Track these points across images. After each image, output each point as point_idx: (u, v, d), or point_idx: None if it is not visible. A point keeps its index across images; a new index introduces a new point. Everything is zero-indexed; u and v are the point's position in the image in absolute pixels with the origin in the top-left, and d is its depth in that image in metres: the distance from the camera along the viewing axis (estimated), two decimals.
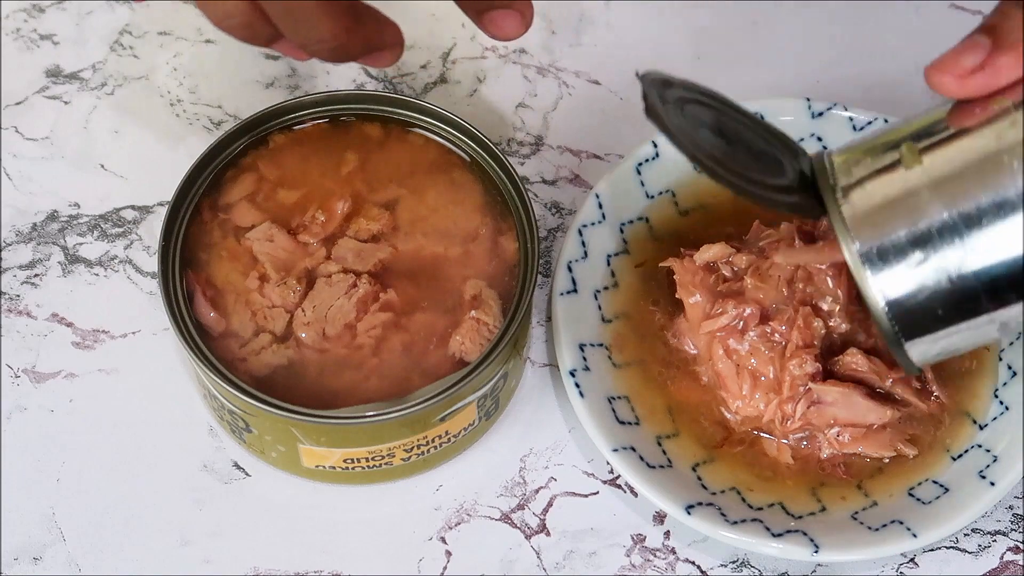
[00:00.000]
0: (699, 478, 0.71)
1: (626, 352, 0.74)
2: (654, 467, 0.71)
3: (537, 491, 0.73)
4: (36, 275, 0.78)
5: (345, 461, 0.70)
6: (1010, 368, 0.74)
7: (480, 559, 0.71)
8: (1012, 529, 0.72)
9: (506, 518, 0.72)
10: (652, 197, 0.78)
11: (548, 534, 0.72)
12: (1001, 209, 0.58)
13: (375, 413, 0.67)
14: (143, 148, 0.82)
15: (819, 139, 0.79)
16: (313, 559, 0.71)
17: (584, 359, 0.73)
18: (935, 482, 0.71)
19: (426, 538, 0.72)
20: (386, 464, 0.70)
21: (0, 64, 0.84)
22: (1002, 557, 0.72)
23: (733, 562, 0.72)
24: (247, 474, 0.73)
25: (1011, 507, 0.73)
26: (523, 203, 0.72)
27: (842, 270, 0.71)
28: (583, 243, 0.76)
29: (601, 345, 0.74)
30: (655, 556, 0.72)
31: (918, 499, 0.71)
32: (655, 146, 0.78)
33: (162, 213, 0.75)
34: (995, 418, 0.72)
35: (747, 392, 0.72)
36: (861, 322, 0.72)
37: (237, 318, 0.70)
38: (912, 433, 0.72)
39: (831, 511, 0.71)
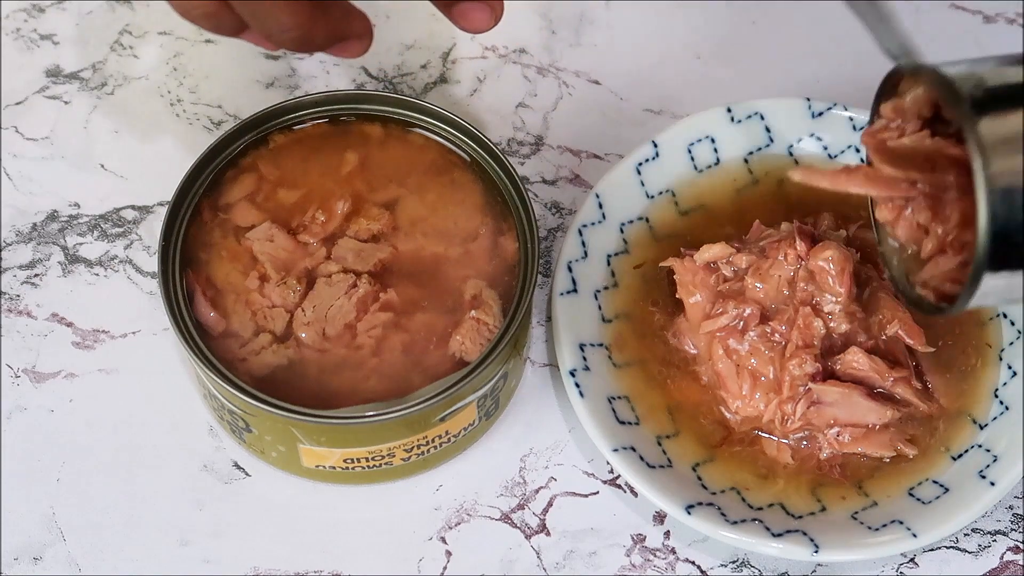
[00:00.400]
0: (699, 478, 0.71)
1: (626, 352, 0.74)
2: (654, 467, 0.71)
3: (537, 491, 0.73)
4: (36, 275, 0.78)
5: (345, 461, 0.70)
6: (1010, 368, 0.74)
7: (480, 559, 0.71)
8: (1012, 529, 0.72)
9: (506, 518, 0.72)
10: (652, 197, 0.78)
11: (548, 534, 0.72)
12: None
13: (375, 413, 0.67)
14: (143, 148, 0.82)
15: (819, 139, 0.79)
16: (313, 559, 0.71)
17: (584, 359, 0.73)
18: (935, 482, 0.71)
19: (426, 538, 0.72)
20: (386, 464, 0.70)
21: (0, 64, 0.84)
22: (1002, 557, 0.72)
23: (733, 562, 0.72)
24: (247, 474, 0.73)
25: (1011, 507, 0.73)
26: (523, 203, 0.72)
27: (844, 268, 0.71)
28: (583, 243, 0.76)
29: (601, 345, 0.74)
30: (655, 556, 0.72)
31: (918, 499, 0.71)
32: (655, 146, 0.78)
33: (162, 213, 0.75)
34: (995, 418, 0.73)
35: (747, 392, 0.72)
36: (861, 322, 0.72)
37: (237, 318, 0.70)
38: (912, 433, 0.72)
39: (831, 511, 0.71)
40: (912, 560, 0.71)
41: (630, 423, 0.72)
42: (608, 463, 0.73)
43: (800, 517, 0.70)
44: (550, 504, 0.73)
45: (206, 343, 0.69)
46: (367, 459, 0.70)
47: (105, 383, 0.75)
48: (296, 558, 0.71)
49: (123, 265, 0.79)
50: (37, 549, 0.71)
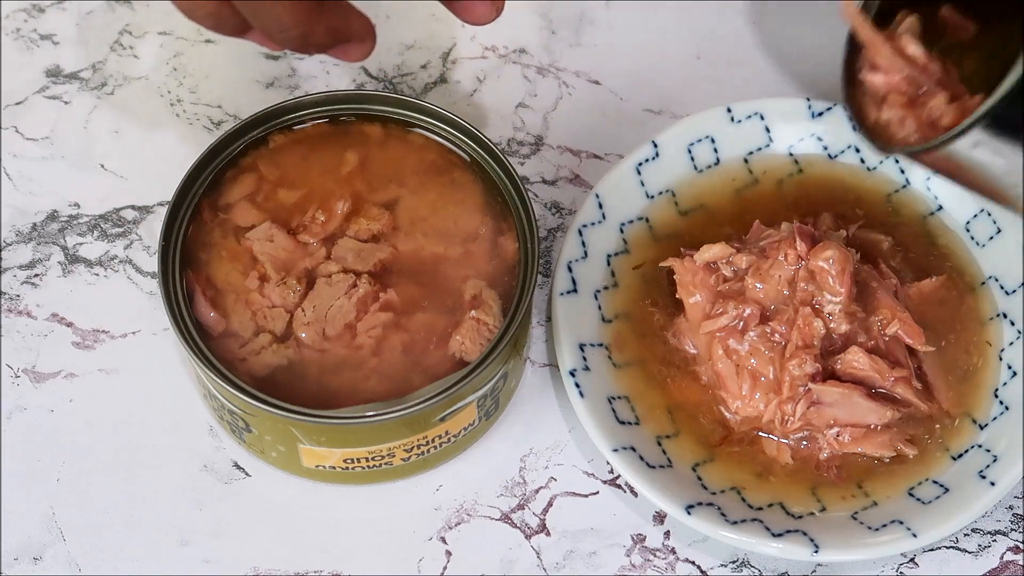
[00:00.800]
0: (699, 478, 0.71)
1: (626, 352, 0.74)
2: (654, 467, 0.71)
3: (537, 491, 0.73)
4: (36, 275, 0.78)
5: (345, 461, 0.70)
6: (1010, 368, 0.74)
7: (480, 559, 0.71)
8: (1012, 529, 0.72)
9: (506, 518, 0.72)
10: (652, 197, 0.78)
11: (548, 534, 0.72)
12: None
13: (375, 413, 0.67)
14: (143, 148, 0.82)
15: (819, 139, 0.79)
16: (313, 559, 0.71)
17: (584, 359, 0.73)
18: (935, 482, 0.71)
19: (426, 538, 0.72)
20: (386, 464, 0.70)
21: (0, 64, 0.84)
22: (1002, 557, 0.72)
23: (733, 562, 0.72)
24: (247, 474, 0.73)
25: (1011, 507, 0.73)
26: (523, 203, 0.72)
27: (844, 268, 0.71)
28: (583, 243, 0.76)
29: (601, 345, 0.74)
30: (655, 556, 0.72)
31: (918, 499, 0.71)
32: (655, 146, 0.78)
33: (162, 213, 0.75)
34: (995, 418, 0.73)
35: (747, 392, 0.72)
36: (861, 322, 0.72)
37: (237, 318, 0.70)
38: (912, 433, 0.72)
39: (831, 511, 0.71)
40: (912, 560, 0.71)
41: (630, 423, 0.72)
42: (608, 463, 0.73)
43: (800, 517, 0.70)
44: (550, 504, 0.73)
45: (206, 343, 0.69)
46: (367, 459, 0.70)
47: (105, 383, 0.75)
48: (296, 558, 0.71)
49: (123, 265, 0.79)
50: (37, 549, 0.71)
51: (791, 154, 0.80)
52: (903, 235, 0.77)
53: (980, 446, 0.72)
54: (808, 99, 0.79)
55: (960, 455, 0.72)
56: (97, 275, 0.78)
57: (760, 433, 0.72)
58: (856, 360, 0.71)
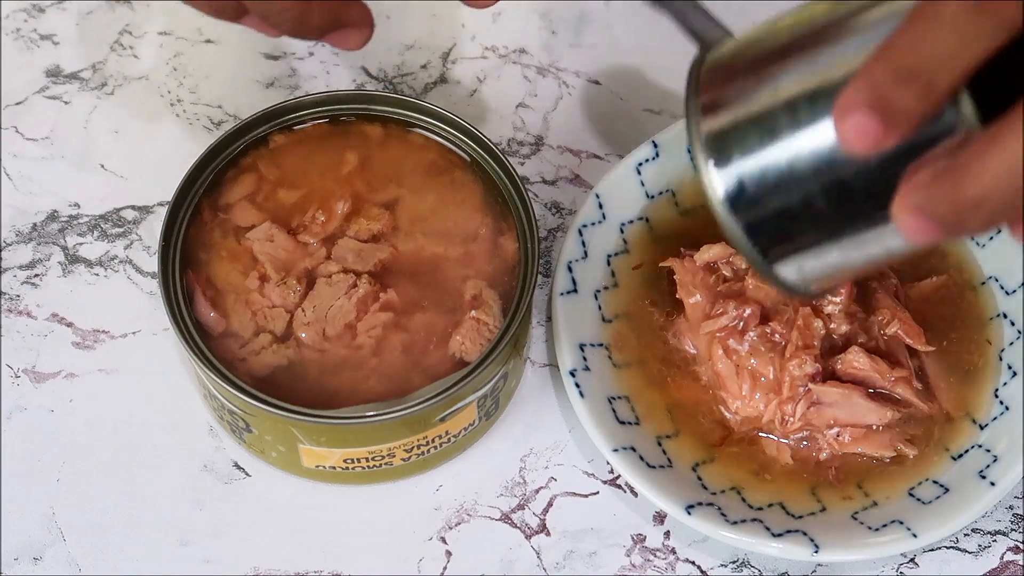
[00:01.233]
0: (699, 478, 0.71)
1: (626, 352, 0.74)
2: (654, 467, 0.71)
3: (537, 491, 0.73)
4: (36, 275, 0.78)
5: (345, 461, 0.70)
6: (1010, 368, 0.74)
7: (480, 559, 0.71)
8: (1012, 529, 0.72)
9: (506, 518, 0.72)
10: (652, 197, 0.78)
11: (548, 534, 0.72)
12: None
13: (375, 413, 0.67)
14: (143, 148, 0.82)
15: None
16: (313, 559, 0.71)
17: (584, 359, 0.73)
18: (935, 482, 0.71)
19: (426, 538, 0.72)
20: (386, 464, 0.70)
21: (0, 64, 0.84)
22: (1002, 557, 0.72)
23: (733, 562, 0.72)
24: (247, 474, 0.73)
25: (1011, 507, 0.73)
26: (523, 203, 0.72)
27: None
28: (583, 243, 0.76)
29: (601, 345, 0.74)
30: (655, 556, 0.72)
31: (918, 499, 0.71)
32: (655, 146, 0.78)
33: (162, 213, 0.75)
34: (995, 418, 0.73)
35: (747, 392, 0.72)
36: (861, 322, 0.72)
37: (237, 318, 0.70)
38: (912, 433, 0.72)
39: (831, 511, 0.71)
40: (912, 560, 0.71)
41: (630, 423, 0.72)
42: (608, 463, 0.73)
43: (800, 517, 0.70)
44: (550, 504, 0.73)
45: (206, 343, 0.69)
46: (367, 459, 0.70)
47: (105, 383, 0.75)
48: (296, 558, 0.71)
49: (123, 265, 0.79)
50: (37, 549, 0.71)
51: None
52: None
53: (980, 446, 0.72)
54: None
55: (960, 455, 0.72)
56: (97, 275, 0.78)
57: (760, 433, 0.72)
58: (856, 360, 0.71)
